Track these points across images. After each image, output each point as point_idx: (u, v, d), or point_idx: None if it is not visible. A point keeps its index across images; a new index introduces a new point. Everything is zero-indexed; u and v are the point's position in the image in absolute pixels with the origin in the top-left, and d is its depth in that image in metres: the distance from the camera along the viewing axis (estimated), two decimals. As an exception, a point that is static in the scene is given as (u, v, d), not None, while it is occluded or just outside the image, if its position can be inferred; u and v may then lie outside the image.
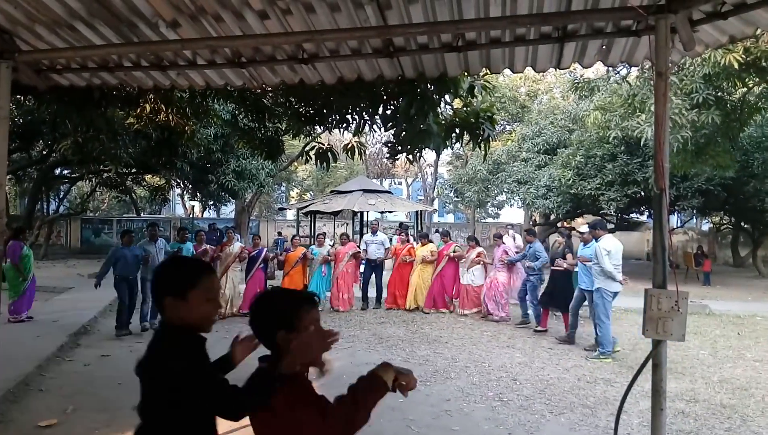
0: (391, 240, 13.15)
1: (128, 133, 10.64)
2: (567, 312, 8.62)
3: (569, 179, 17.24)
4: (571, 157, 17.68)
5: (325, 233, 11.82)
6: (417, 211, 24.72)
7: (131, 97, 8.22)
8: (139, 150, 12.43)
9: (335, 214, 22.55)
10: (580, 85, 13.99)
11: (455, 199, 34.12)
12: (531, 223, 23.94)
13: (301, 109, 7.58)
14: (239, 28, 3.21)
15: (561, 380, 6.44)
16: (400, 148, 5.32)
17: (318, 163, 7.29)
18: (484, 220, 36.88)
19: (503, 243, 10.64)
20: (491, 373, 6.65)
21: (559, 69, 3.50)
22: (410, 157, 5.11)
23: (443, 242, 11.50)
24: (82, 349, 7.91)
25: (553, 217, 22.73)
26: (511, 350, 7.89)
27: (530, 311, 9.59)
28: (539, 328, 9.04)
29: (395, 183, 46.64)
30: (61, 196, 25.63)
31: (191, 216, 34.82)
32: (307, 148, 7.17)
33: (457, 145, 4.74)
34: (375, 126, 6.80)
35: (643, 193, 17.14)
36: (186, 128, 10.09)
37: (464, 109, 4.11)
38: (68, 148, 9.98)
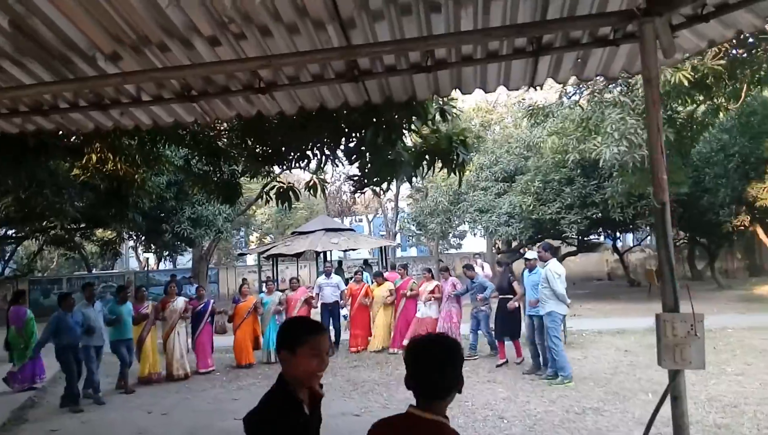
0: (347, 281, 12.73)
1: (74, 186, 10.05)
2: (517, 339, 8.81)
3: (529, 205, 17.36)
4: (529, 183, 17.85)
5: (272, 280, 11.19)
6: (381, 247, 24.47)
7: (75, 147, 7.74)
8: (87, 203, 11.79)
9: (298, 255, 22.08)
10: (533, 111, 14.21)
11: (417, 232, 34.04)
12: (494, 250, 23.98)
13: (257, 149, 7.28)
14: (187, 57, 2.91)
15: (549, 413, 6.14)
16: (366, 181, 5.05)
17: (279, 203, 6.96)
18: (447, 252, 36.87)
19: (450, 276, 10.43)
20: (476, 413, 6.29)
21: (534, 86, 3.33)
22: (380, 189, 4.84)
23: (401, 278, 11.22)
24: (29, 424, 7.16)
25: (515, 243, 22.82)
26: (493, 385, 7.57)
27: (485, 340, 9.60)
28: (500, 362, 8.79)
29: (356, 220, 46.28)
30: (6, 258, 24.21)
31: (146, 269, 33.45)
32: (266, 189, 6.81)
33: (428, 174, 4.52)
34: (337, 160, 6.54)
35: (601, 215, 17.39)
36: (136, 177, 9.60)
37: (434, 135, 3.89)
38: (9, 205, 9.32)
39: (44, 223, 12.94)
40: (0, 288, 22.70)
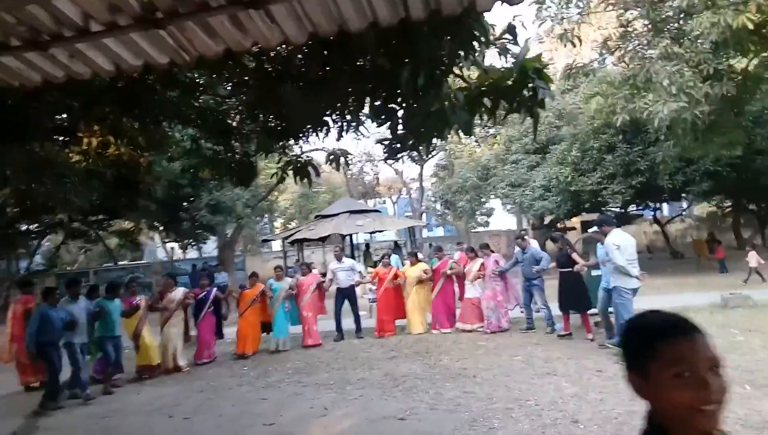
0: (375, 264, 12.27)
1: (77, 174, 9.30)
2: (584, 312, 8.50)
3: (567, 176, 16.14)
4: (566, 152, 16.62)
5: (281, 266, 10.84)
6: (408, 228, 23.56)
7: (63, 128, 6.91)
8: (96, 193, 11.08)
9: (323, 239, 21.29)
10: (571, 72, 12.94)
11: (445, 211, 32.94)
12: (530, 225, 22.77)
13: (270, 123, 6.45)
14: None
15: (633, 415, 5.09)
16: (400, 144, 4.07)
17: (297, 179, 6.08)
18: (474, 230, 35.84)
19: (492, 252, 10.13)
20: (542, 415, 5.30)
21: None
22: (419, 151, 3.86)
23: (437, 259, 10.74)
24: (41, 432, 6.46)
25: (549, 218, 21.60)
26: (555, 378, 6.55)
27: (542, 315, 9.35)
28: (562, 333, 8.61)
29: (380, 202, 45.41)
30: (32, 253, 23.90)
31: (172, 258, 33.16)
32: (281, 165, 5.94)
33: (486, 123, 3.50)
34: (361, 127, 5.59)
35: (646, 183, 16.03)
36: (141, 161, 8.82)
37: (498, 68, 2.83)
38: (8, 196, 8.63)
39: (51, 217, 12.29)
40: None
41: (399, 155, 4.07)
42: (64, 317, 7.26)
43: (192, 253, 34.29)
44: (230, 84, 6.72)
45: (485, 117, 2.92)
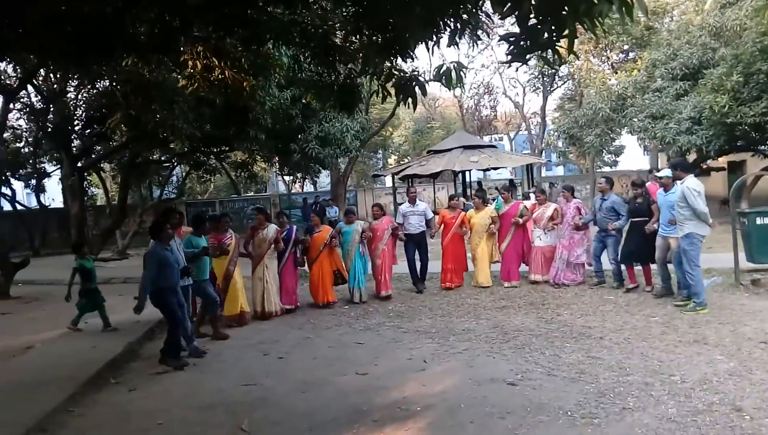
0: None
1: (186, 100, 9.12)
2: (648, 265, 7.99)
3: (724, 106, 13.59)
4: (724, 77, 13.95)
5: (352, 210, 9.57)
6: (526, 166, 21.96)
7: (162, 46, 6.52)
8: (209, 121, 10.98)
9: (434, 176, 20.44)
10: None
11: (568, 147, 30.37)
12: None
13: (376, 38, 5.60)
14: None
15: (821, 409, 3.90)
16: (528, 41, 3.04)
17: (400, 98, 5.22)
18: (600, 170, 33.00)
19: (574, 198, 9.06)
20: (692, 397, 4.21)
21: None
22: (554, 48, 2.83)
23: (503, 202, 9.49)
24: (138, 363, 6.48)
25: (693, 156, 18.83)
26: (705, 348, 5.34)
27: (611, 268, 8.47)
28: (630, 286, 8.08)
29: (496, 139, 43.24)
30: (164, 182, 25.48)
31: (290, 191, 34.27)
32: (382, 80, 5.09)
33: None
34: (480, 30, 4.54)
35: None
36: (245, 84, 8.38)
37: None
38: (119, 122, 8.63)
39: (158, 142, 12.33)
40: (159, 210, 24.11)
41: (528, 56, 3.07)
42: (177, 257, 6.21)
43: (308, 187, 35.20)
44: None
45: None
